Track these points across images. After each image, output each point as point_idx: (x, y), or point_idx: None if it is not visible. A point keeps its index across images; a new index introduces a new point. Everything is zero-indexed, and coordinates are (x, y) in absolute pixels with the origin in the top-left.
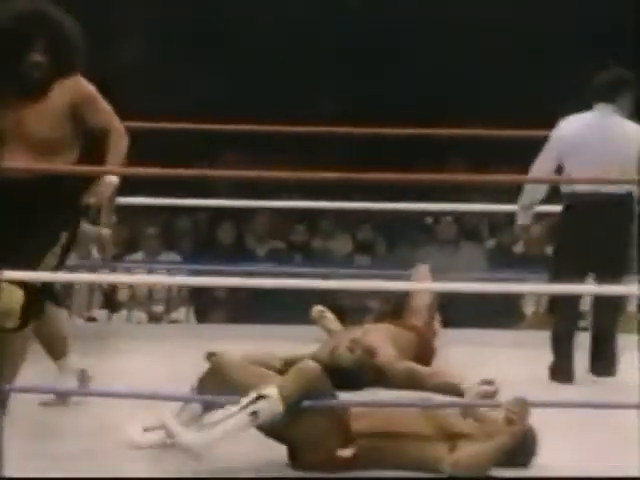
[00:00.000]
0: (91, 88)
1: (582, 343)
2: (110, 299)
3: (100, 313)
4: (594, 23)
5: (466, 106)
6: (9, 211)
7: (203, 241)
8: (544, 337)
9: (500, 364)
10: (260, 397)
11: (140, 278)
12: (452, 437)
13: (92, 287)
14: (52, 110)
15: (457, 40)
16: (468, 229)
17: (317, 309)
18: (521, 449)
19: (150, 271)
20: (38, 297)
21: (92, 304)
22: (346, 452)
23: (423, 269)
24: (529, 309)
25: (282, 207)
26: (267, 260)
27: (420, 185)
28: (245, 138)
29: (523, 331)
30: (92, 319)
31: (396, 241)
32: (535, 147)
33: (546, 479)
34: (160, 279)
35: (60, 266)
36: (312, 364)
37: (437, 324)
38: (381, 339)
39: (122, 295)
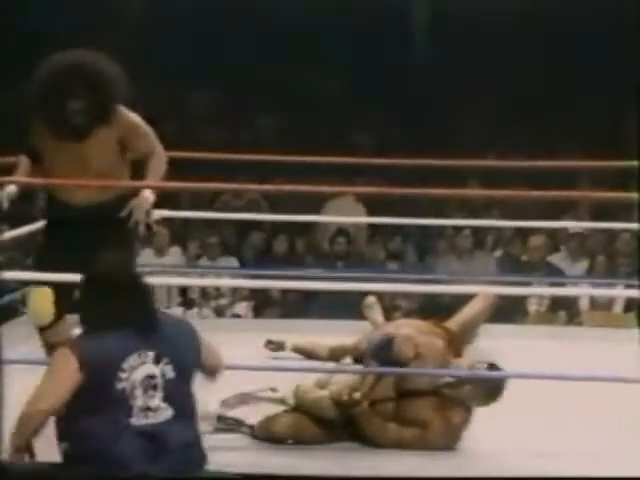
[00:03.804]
0: (133, 117)
1: (578, 337)
2: (185, 298)
3: (177, 310)
4: None
5: None
6: (82, 235)
7: (262, 250)
8: (546, 331)
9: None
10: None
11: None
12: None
13: (170, 288)
14: (104, 146)
15: None
16: (480, 240)
17: (371, 299)
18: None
19: (217, 274)
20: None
21: (171, 302)
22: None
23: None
24: (532, 307)
25: (327, 222)
26: (314, 266)
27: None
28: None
29: (529, 326)
30: None
31: (422, 251)
32: None
33: (545, 479)
34: (227, 281)
35: None
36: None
37: (474, 335)
38: (410, 332)
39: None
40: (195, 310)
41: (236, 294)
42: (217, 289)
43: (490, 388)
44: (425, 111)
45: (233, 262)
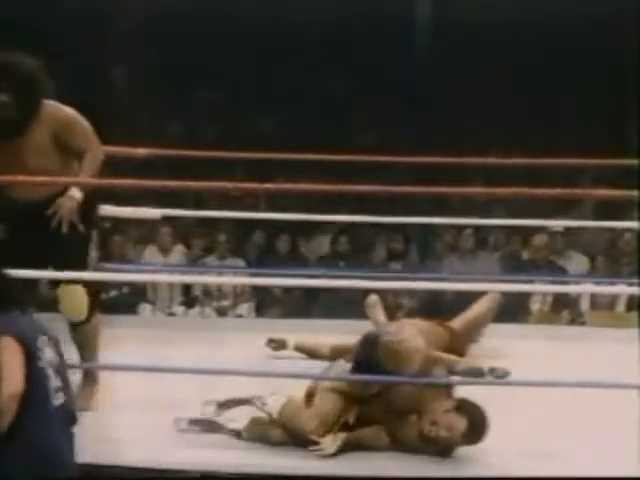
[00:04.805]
0: (67, 112)
1: (581, 337)
2: (187, 297)
3: (179, 309)
4: None
5: None
6: (31, 230)
7: (265, 250)
8: (549, 330)
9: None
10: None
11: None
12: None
13: (172, 287)
14: (38, 142)
15: None
16: (483, 240)
17: (374, 298)
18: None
19: (220, 273)
20: (97, 293)
21: (173, 302)
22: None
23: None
24: (535, 306)
25: (329, 221)
26: (316, 266)
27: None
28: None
29: (532, 325)
30: (172, 314)
31: (425, 250)
32: None
33: (542, 479)
34: (230, 280)
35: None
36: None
37: (479, 335)
38: (412, 331)
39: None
40: (197, 309)
41: (239, 297)
42: (219, 290)
43: (476, 429)
44: (427, 110)
45: (239, 262)
